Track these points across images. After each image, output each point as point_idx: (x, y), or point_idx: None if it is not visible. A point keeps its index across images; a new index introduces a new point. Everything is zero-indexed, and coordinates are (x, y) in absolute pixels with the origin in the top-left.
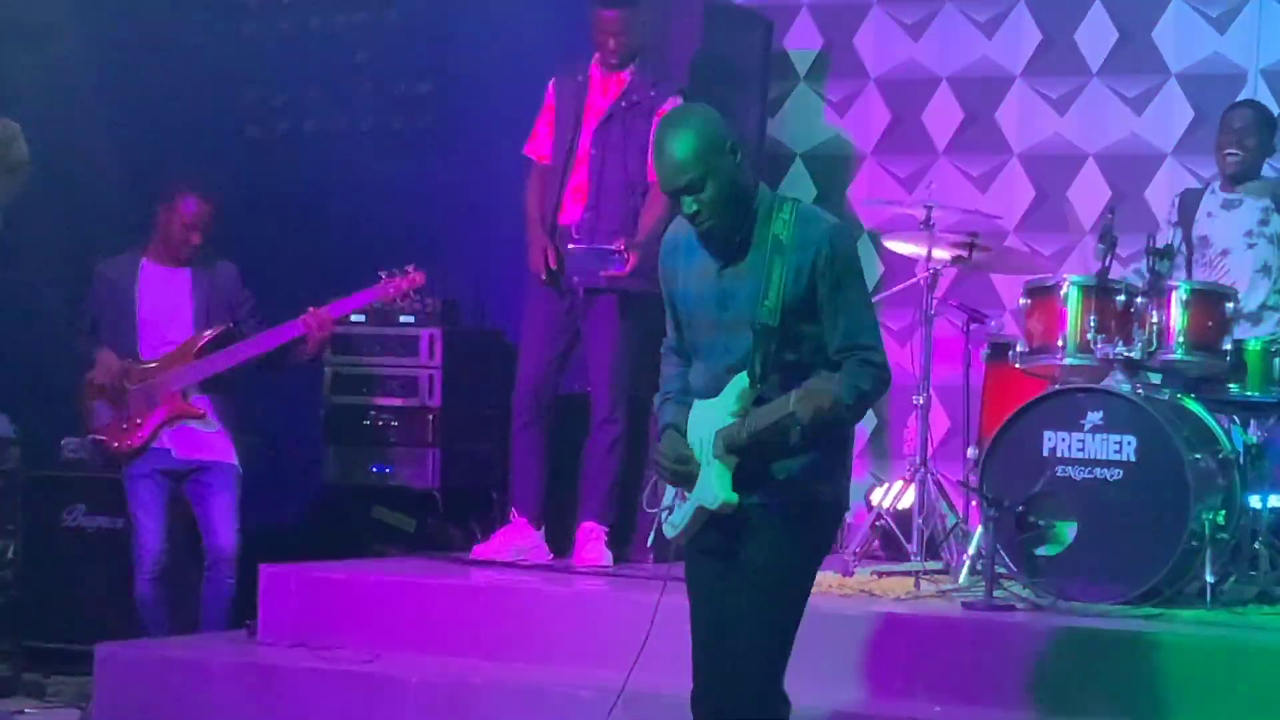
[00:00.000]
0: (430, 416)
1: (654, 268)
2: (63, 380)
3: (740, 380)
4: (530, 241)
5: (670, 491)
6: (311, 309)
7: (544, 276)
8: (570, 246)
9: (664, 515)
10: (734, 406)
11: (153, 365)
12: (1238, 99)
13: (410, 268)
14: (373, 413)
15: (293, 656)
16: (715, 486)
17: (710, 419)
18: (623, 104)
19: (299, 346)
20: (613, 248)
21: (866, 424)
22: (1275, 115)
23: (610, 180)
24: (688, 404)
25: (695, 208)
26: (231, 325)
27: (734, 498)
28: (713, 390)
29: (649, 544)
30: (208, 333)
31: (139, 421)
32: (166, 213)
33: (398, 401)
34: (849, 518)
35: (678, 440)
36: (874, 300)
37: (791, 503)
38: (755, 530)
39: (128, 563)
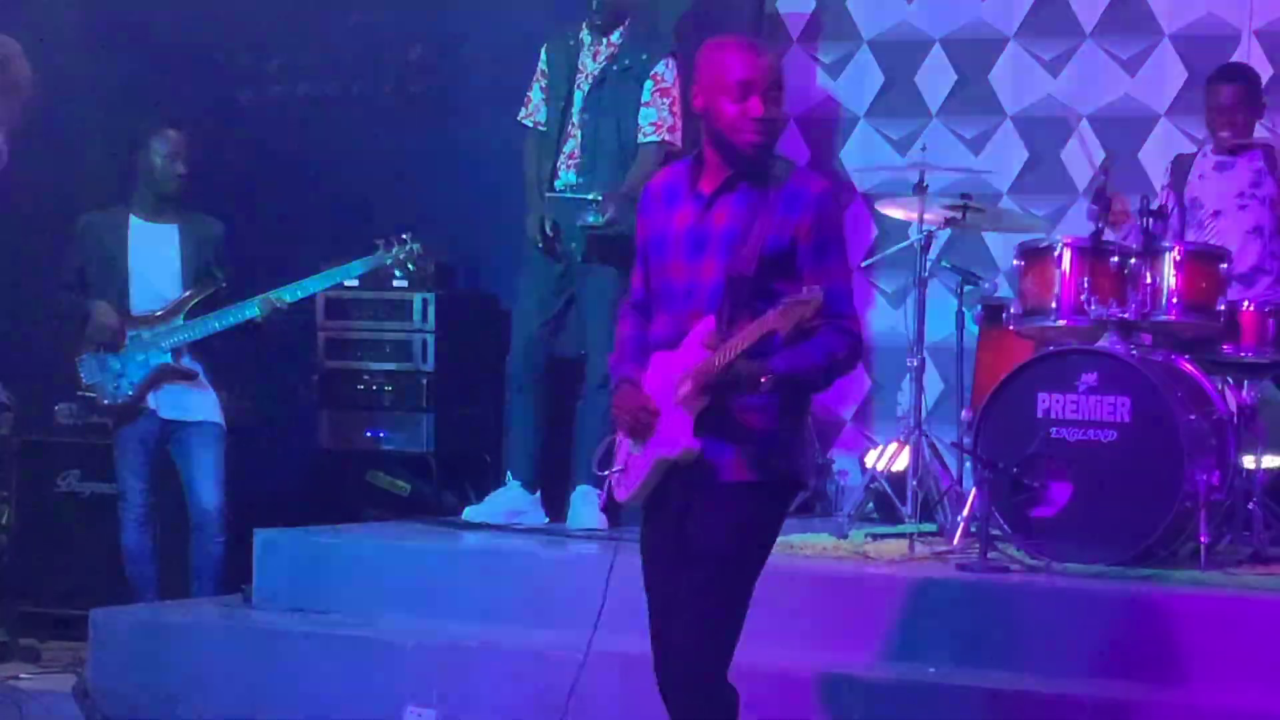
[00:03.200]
0: (424, 381)
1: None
2: (55, 345)
3: (707, 324)
4: (529, 208)
5: (623, 453)
6: (265, 298)
7: (540, 244)
8: (548, 195)
9: (616, 477)
10: (699, 347)
11: (144, 321)
12: (1226, 62)
13: (406, 235)
14: (366, 377)
15: (288, 621)
16: (677, 432)
17: (671, 366)
18: (614, 68)
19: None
20: (589, 197)
21: (861, 386)
22: (1259, 77)
23: (604, 144)
24: (644, 361)
25: (773, 111)
26: (223, 285)
27: (696, 444)
28: (674, 339)
29: (600, 507)
30: (199, 293)
31: (129, 379)
32: (145, 153)
33: (391, 366)
34: (842, 482)
35: (634, 390)
36: (868, 263)
37: (745, 475)
38: (705, 502)
39: (120, 528)
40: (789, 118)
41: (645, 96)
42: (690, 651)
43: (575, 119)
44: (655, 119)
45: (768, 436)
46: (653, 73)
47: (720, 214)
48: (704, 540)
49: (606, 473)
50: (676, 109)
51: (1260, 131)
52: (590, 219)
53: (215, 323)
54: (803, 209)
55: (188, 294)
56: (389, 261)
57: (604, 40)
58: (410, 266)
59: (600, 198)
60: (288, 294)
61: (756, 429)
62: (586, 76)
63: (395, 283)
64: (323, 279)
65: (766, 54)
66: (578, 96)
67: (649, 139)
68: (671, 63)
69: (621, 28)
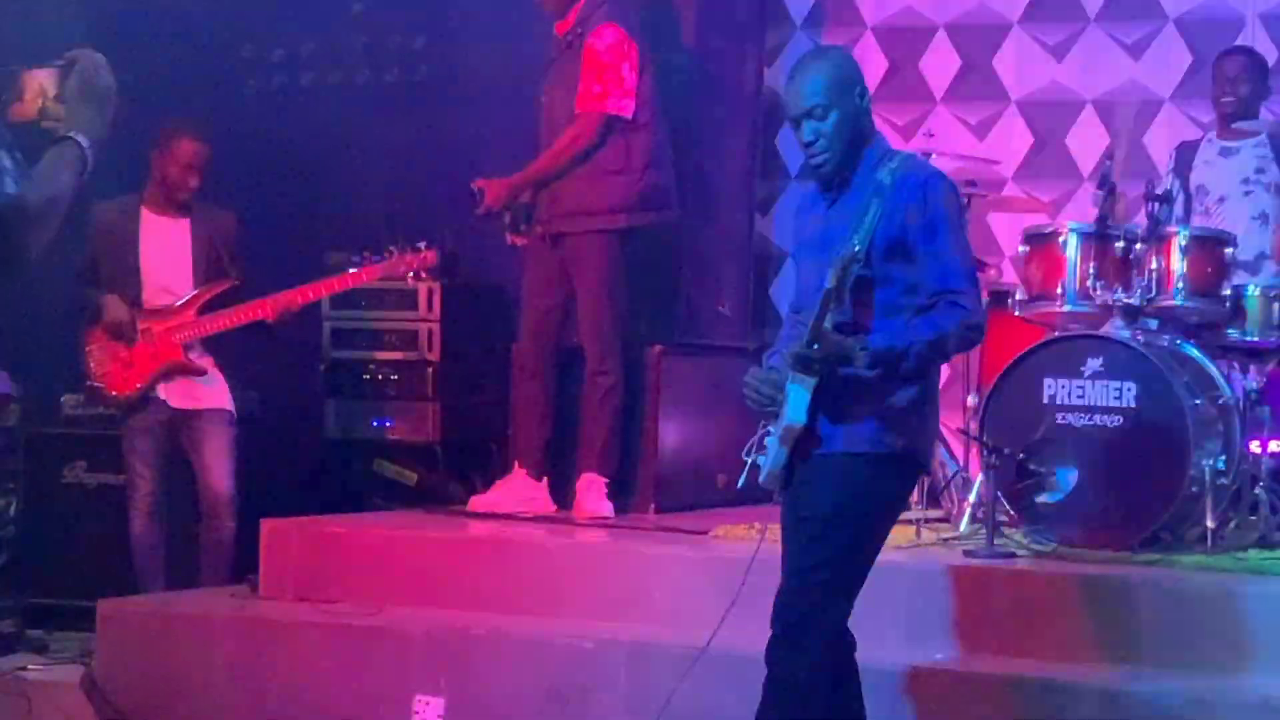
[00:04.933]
0: (430, 370)
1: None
2: (63, 336)
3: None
4: None
5: (762, 439)
6: (272, 297)
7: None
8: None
9: (758, 459)
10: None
11: (157, 315)
12: (1233, 44)
13: (422, 244)
14: (372, 367)
15: (295, 611)
16: (789, 406)
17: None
18: (563, 45)
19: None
20: (473, 185)
21: None
22: (1265, 60)
23: (557, 122)
24: None
25: (813, 137)
26: (236, 282)
27: (802, 419)
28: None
29: (739, 486)
30: (213, 289)
31: (140, 371)
32: (162, 156)
33: (397, 355)
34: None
35: (763, 370)
36: None
37: (857, 447)
38: (819, 471)
39: (128, 518)
40: (855, 109)
41: (579, 69)
42: (786, 608)
43: (539, 102)
44: (582, 90)
45: (883, 412)
46: (586, 44)
47: (841, 211)
48: (812, 502)
49: (749, 457)
50: (608, 77)
51: (1265, 115)
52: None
53: (229, 319)
54: (909, 194)
55: (201, 290)
56: (403, 270)
57: (566, 16)
58: (424, 274)
59: (478, 188)
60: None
61: (871, 405)
62: (549, 56)
63: None
64: (337, 284)
65: (798, 75)
66: (542, 80)
67: (576, 111)
68: (608, 30)
69: (574, 9)
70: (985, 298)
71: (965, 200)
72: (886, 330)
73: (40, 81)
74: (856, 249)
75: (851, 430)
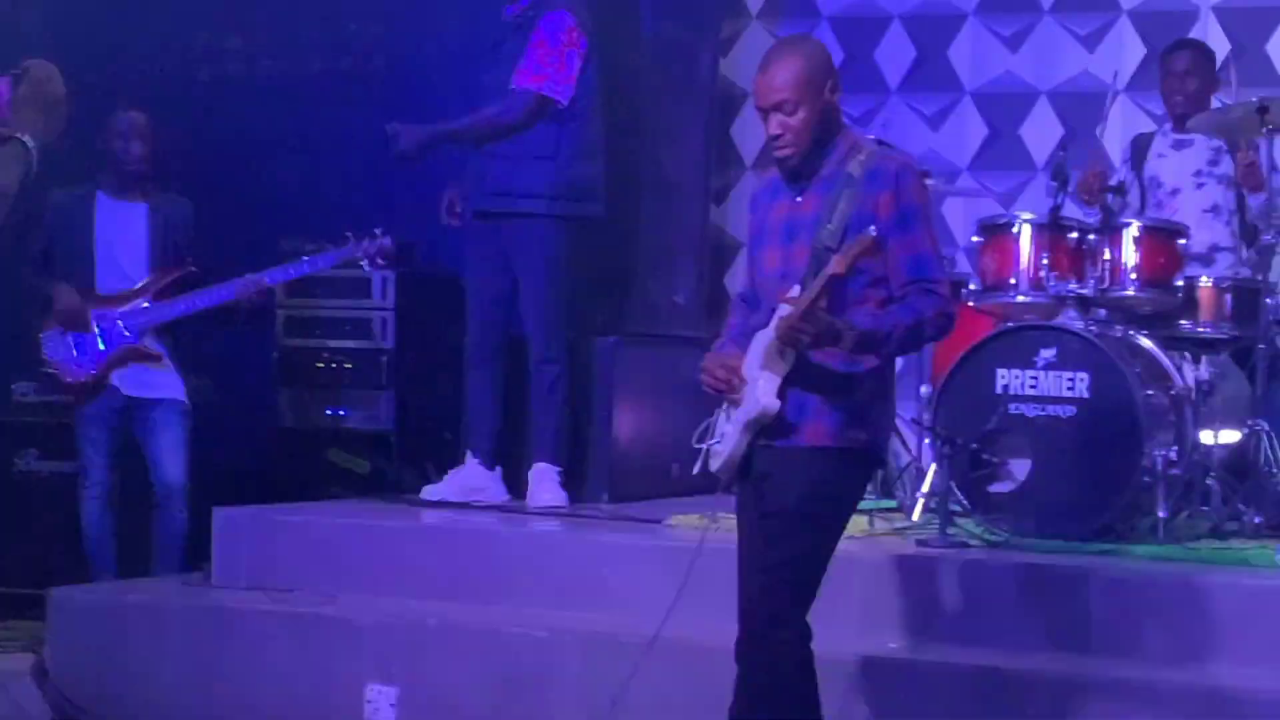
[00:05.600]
0: (384, 358)
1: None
2: (15, 324)
3: (791, 291)
4: None
5: (719, 426)
6: (248, 276)
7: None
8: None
9: (713, 447)
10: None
11: (111, 301)
12: (1179, 38)
13: (379, 231)
14: (326, 355)
15: (248, 599)
16: (759, 393)
17: (762, 339)
18: (513, 27)
19: (235, 310)
20: (387, 128)
21: None
22: (1213, 52)
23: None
24: (744, 343)
25: (779, 130)
26: (192, 269)
27: (775, 402)
28: (770, 322)
29: (694, 472)
30: (169, 276)
31: (93, 358)
32: (105, 134)
33: (351, 344)
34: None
35: (721, 354)
36: None
37: (823, 441)
38: (784, 465)
39: (81, 506)
40: (824, 105)
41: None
42: (755, 604)
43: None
44: (522, 67)
45: (848, 405)
46: (537, 26)
47: (809, 202)
48: (777, 498)
49: (703, 445)
50: (554, 60)
51: (1216, 106)
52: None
53: (186, 306)
54: (882, 184)
55: (155, 276)
56: (359, 255)
57: (516, 6)
58: (380, 261)
59: (395, 129)
60: (268, 278)
61: (837, 398)
62: (495, 42)
63: None
64: (293, 269)
65: (771, 66)
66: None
67: (511, 86)
68: (561, 16)
69: None
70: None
71: None
72: (871, 314)
73: None
74: (830, 245)
75: (816, 424)
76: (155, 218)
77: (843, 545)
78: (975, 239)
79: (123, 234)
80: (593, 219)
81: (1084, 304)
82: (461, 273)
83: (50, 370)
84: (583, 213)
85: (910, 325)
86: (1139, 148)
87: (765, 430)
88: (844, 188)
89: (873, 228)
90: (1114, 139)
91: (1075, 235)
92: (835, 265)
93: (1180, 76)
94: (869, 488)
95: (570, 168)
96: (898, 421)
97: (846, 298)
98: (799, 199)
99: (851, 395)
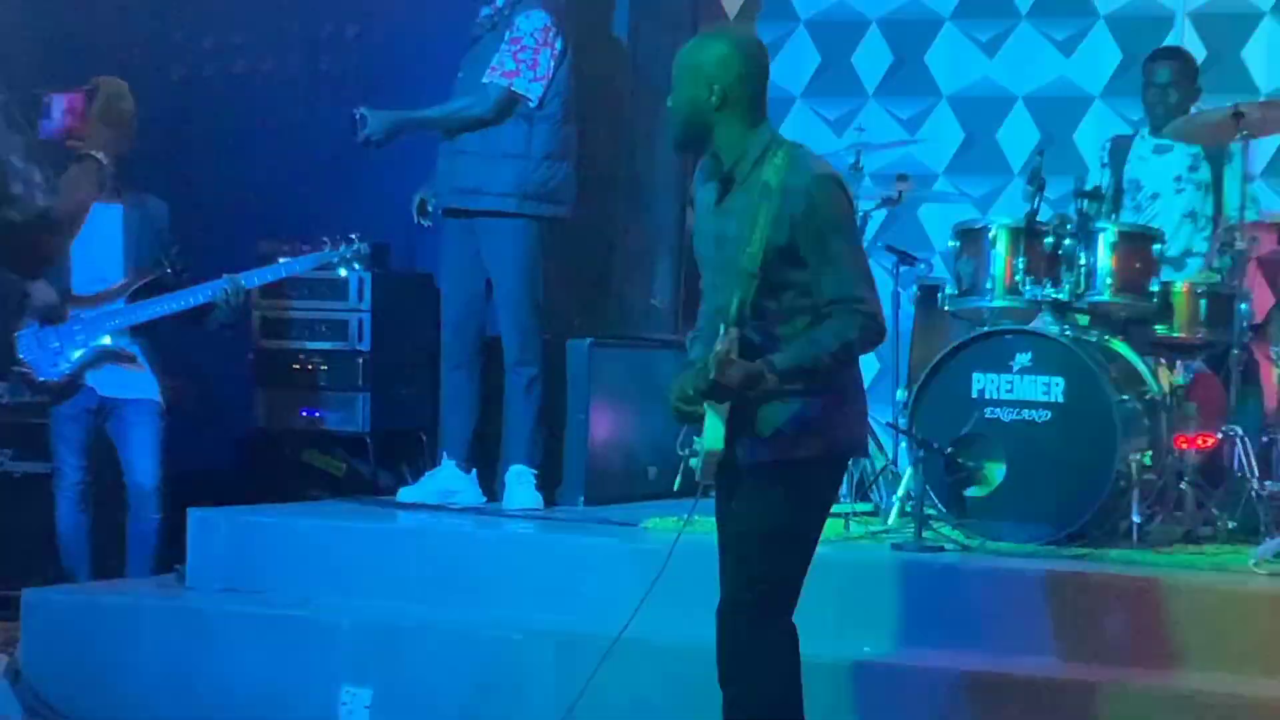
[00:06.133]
0: (360, 360)
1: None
2: None
3: (722, 330)
4: None
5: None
6: (228, 275)
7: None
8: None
9: (692, 457)
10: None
11: (86, 302)
12: (1162, 45)
13: (355, 236)
14: (302, 356)
15: (222, 601)
16: (707, 434)
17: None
18: (488, 25)
19: (214, 312)
20: (354, 112)
21: None
22: (1196, 62)
23: None
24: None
25: (669, 104)
26: (168, 270)
27: (719, 446)
28: (710, 331)
29: (675, 488)
30: (144, 277)
31: (67, 357)
32: None
33: (327, 345)
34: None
35: (686, 378)
36: None
37: (774, 458)
38: (741, 485)
39: (55, 507)
40: (683, 140)
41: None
42: (731, 623)
43: (457, 80)
44: (494, 63)
45: (793, 420)
46: (513, 24)
47: (729, 210)
48: (740, 519)
49: (684, 453)
50: (527, 59)
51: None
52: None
53: (161, 307)
54: (795, 200)
55: (131, 277)
56: (336, 260)
57: (491, 5)
58: (356, 265)
59: (359, 114)
60: (245, 280)
61: (781, 415)
62: (471, 37)
63: None
64: (270, 272)
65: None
66: (463, 59)
67: (482, 80)
68: (537, 14)
69: None
70: (915, 292)
71: (897, 195)
72: (791, 348)
73: (66, 104)
74: (751, 270)
75: (774, 441)
76: (131, 218)
77: (818, 549)
78: (952, 243)
79: (99, 235)
80: (563, 220)
81: (1060, 309)
82: (437, 274)
83: (23, 370)
84: (553, 213)
85: (834, 351)
86: (1119, 149)
87: (724, 465)
88: (761, 199)
89: (733, 332)
90: (1089, 142)
91: (1051, 240)
92: (719, 374)
93: (1162, 88)
94: (843, 488)
95: (539, 168)
96: (873, 424)
97: (783, 310)
98: (719, 204)
99: (802, 408)
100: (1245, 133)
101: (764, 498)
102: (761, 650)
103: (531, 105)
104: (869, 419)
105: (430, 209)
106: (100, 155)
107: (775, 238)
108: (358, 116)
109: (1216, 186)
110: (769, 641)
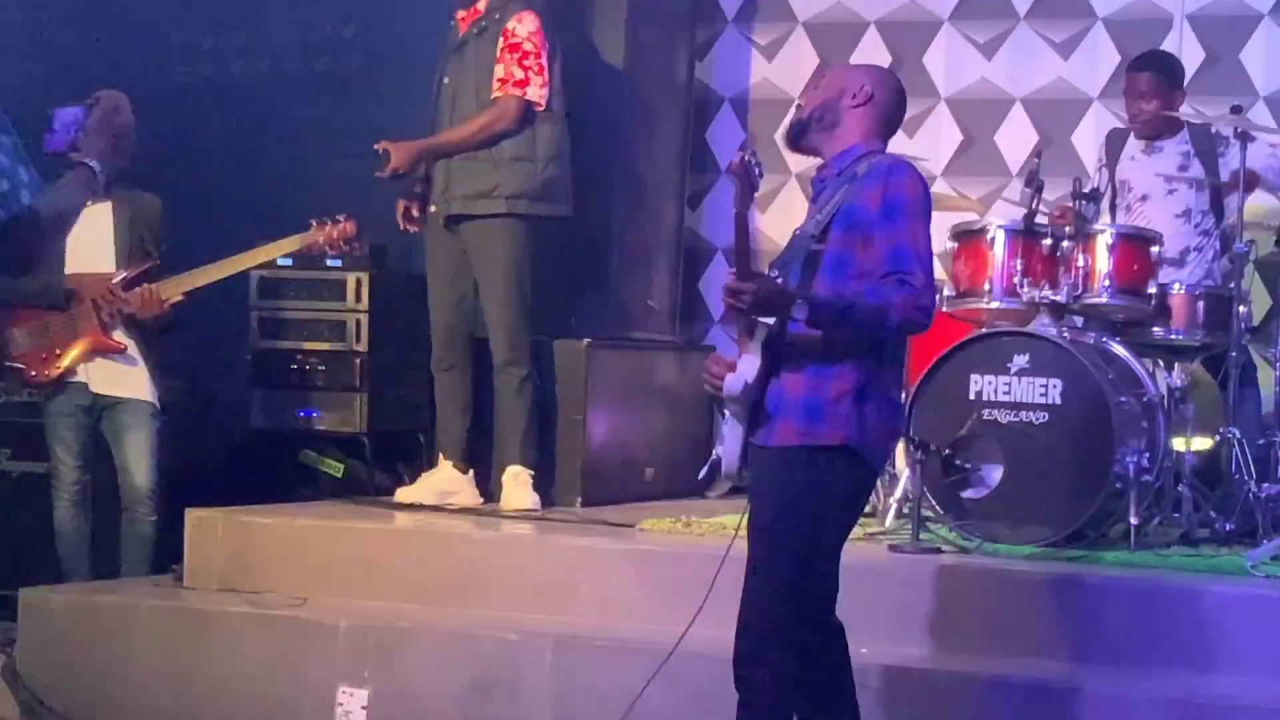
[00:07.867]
0: (357, 361)
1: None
2: None
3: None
4: None
5: (727, 425)
6: (146, 285)
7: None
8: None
9: (718, 450)
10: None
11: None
12: (1151, 49)
13: (342, 216)
14: (299, 356)
15: (220, 601)
16: (731, 375)
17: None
18: (474, 30)
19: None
20: (377, 147)
21: None
22: (1177, 67)
23: (462, 109)
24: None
25: (796, 115)
26: (157, 262)
27: (738, 383)
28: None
29: (699, 477)
30: (131, 270)
31: (59, 351)
32: None
33: (325, 345)
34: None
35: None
36: None
37: (791, 440)
38: (762, 469)
39: (53, 506)
40: (814, 113)
41: (495, 54)
42: (747, 623)
43: (441, 86)
44: (502, 75)
45: (819, 402)
46: (503, 29)
47: (816, 205)
48: (761, 512)
49: (716, 451)
50: (531, 64)
51: (1187, 110)
52: (376, 173)
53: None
54: (874, 179)
55: (124, 271)
56: (322, 240)
57: (472, 6)
58: (344, 245)
59: (380, 149)
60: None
61: (809, 392)
62: (453, 43)
63: (329, 262)
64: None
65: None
66: (445, 65)
67: (495, 95)
68: (528, 18)
69: None
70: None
71: None
72: (834, 287)
73: (69, 119)
74: (814, 234)
75: (786, 421)
76: (121, 214)
77: None
78: (949, 244)
79: (91, 230)
80: (560, 219)
81: (1057, 310)
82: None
83: (14, 365)
84: (551, 214)
85: (874, 306)
86: (1114, 144)
87: (750, 424)
88: (845, 183)
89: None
90: (1087, 144)
91: (1049, 241)
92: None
93: (1140, 96)
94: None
95: (545, 169)
96: None
97: (830, 286)
98: (812, 204)
99: (823, 390)
100: (1244, 132)
101: (779, 484)
102: (771, 663)
103: (540, 110)
104: (896, 432)
105: (417, 214)
106: (93, 163)
107: (846, 211)
108: (380, 152)
109: (1214, 186)
110: (776, 656)
